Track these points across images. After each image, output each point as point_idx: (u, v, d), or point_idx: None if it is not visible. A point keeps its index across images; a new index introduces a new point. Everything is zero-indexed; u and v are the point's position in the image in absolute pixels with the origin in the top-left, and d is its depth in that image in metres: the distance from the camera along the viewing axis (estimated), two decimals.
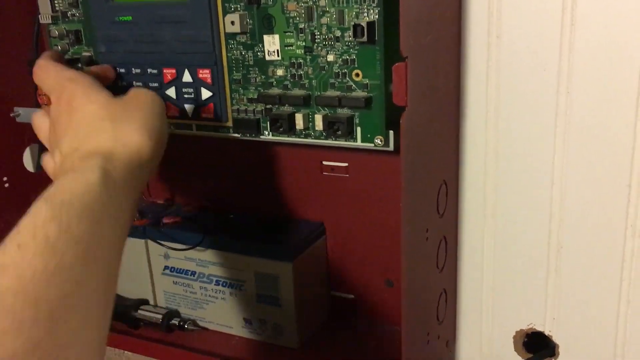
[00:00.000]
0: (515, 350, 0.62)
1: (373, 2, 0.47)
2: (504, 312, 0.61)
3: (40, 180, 0.73)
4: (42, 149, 0.73)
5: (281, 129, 0.53)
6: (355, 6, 0.48)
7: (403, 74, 0.43)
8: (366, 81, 0.50)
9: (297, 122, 0.53)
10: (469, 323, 0.63)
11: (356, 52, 0.49)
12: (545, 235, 0.57)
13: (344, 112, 0.51)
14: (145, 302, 0.69)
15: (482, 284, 0.61)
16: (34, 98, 0.66)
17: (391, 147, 0.50)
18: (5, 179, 0.72)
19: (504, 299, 0.61)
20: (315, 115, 0.52)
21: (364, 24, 0.47)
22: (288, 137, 0.54)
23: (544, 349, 0.60)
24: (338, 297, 0.68)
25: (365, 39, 0.47)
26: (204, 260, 0.65)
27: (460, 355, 0.64)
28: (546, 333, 0.60)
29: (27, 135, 0.71)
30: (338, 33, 0.49)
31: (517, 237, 0.59)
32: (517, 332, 0.61)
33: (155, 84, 0.57)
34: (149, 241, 0.67)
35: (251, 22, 0.52)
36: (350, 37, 0.49)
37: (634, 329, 0.56)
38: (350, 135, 0.51)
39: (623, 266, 0.55)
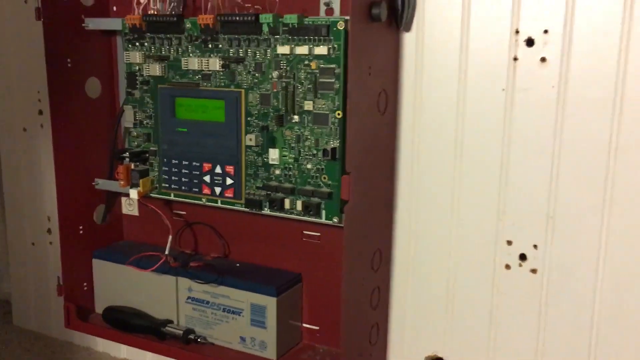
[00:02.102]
0: None
1: (336, 136, 0.79)
2: (419, 341, 0.89)
3: (104, 230, 1.07)
4: (107, 208, 1.04)
5: (275, 207, 0.83)
6: (325, 137, 0.79)
7: (347, 181, 0.73)
8: (329, 182, 0.80)
9: (285, 204, 0.83)
10: (395, 350, 0.91)
11: (324, 164, 0.80)
12: (444, 293, 0.86)
13: (315, 200, 0.81)
14: (170, 321, 0.97)
15: (404, 320, 0.90)
16: (109, 172, 0.98)
17: (343, 224, 0.80)
18: (81, 227, 1.01)
19: (418, 331, 0.89)
20: (297, 201, 0.82)
21: (329, 148, 0.79)
22: (279, 212, 0.84)
23: None
24: (307, 327, 0.95)
25: (329, 157, 0.79)
26: (216, 293, 0.94)
27: None
28: (444, 358, 0.88)
29: (99, 197, 1.02)
30: (314, 152, 0.81)
31: (426, 288, 0.87)
32: (426, 356, 0.89)
33: (196, 172, 0.88)
34: (179, 278, 0.96)
35: (262, 139, 0.84)
36: (321, 155, 0.80)
37: (502, 357, 0.84)
38: (318, 214, 0.81)
39: (492, 300, 0.83)
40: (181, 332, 0.95)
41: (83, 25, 0.95)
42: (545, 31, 0.75)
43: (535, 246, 0.80)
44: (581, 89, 0.74)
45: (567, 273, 0.79)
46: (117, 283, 1.01)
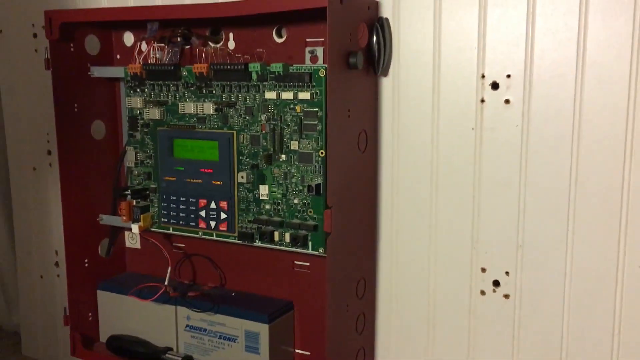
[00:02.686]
0: None
1: (320, 173, 0.86)
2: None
3: (108, 262, 1.13)
4: (111, 242, 1.10)
5: (266, 240, 0.90)
6: (310, 174, 0.86)
7: (329, 215, 0.80)
8: (315, 216, 0.87)
9: (275, 236, 0.90)
10: None
11: (310, 199, 0.87)
12: (425, 318, 0.92)
13: (302, 232, 0.88)
14: (170, 349, 1.03)
15: (389, 344, 0.95)
16: (112, 208, 1.04)
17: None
18: (86, 260, 1.08)
19: (403, 354, 0.94)
20: (285, 233, 0.89)
21: (313, 184, 0.85)
22: (270, 244, 0.90)
23: None
24: (299, 353, 1.01)
25: (314, 193, 0.85)
26: (212, 321, 0.99)
27: None
28: None
29: (103, 232, 1.09)
30: (300, 188, 0.87)
31: (409, 314, 0.93)
32: None
33: (193, 208, 0.95)
34: (178, 307, 1.02)
35: (253, 177, 0.91)
36: (306, 191, 0.87)
37: None
38: (305, 246, 0.88)
39: (469, 323, 0.89)
40: (180, 358, 1.01)
41: (89, 73, 1.03)
42: (508, 76, 0.82)
43: (507, 273, 0.86)
44: (542, 127, 0.81)
45: (537, 297, 0.84)
46: (120, 313, 1.07)
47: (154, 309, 1.03)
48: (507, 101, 0.82)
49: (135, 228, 0.99)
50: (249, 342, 0.96)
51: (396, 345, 0.95)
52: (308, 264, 0.97)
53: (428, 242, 0.90)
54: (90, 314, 1.09)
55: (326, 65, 0.83)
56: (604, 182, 0.79)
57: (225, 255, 1.04)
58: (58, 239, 1.24)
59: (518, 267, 0.85)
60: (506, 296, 0.86)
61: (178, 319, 1.03)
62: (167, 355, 1.02)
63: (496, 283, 0.87)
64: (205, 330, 1.00)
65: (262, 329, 0.95)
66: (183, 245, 1.07)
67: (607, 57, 0.76)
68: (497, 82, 0.83)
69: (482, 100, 0.84)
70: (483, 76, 0.83)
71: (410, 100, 0.88)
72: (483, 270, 0.87)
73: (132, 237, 1.14)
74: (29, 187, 1.28)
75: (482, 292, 0.88)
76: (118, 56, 1.07)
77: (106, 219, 1.06)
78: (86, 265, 1.07)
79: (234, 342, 0.98)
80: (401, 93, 0.89)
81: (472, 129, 0.85)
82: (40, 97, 1.21)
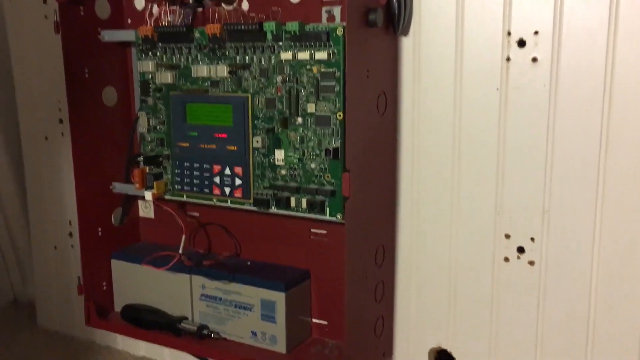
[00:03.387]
0: None
1: (337, 136, 0.83)
2: (424, 333, 0.92)
3: (122, 232, 1.12)
4: (125, 211, 1.09)
5: (282, 206, 0.87)
6: (327, 138, 0.83)
7: (347, 178, 0.77)
8: (332, 181, 0.84)
9: (291, 202, 0.87)
10: (401, 342, 0.94)
11: (327, 164, 0.84)
12: (446, 287, 0.89)
13: (319, 198, 0.85)
14: (185, 318, 1.02)
15: (409, 314, 0.93)
16: (126, 176, 1.02)
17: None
18: (99, 229, 1.06)
19: (423, 324, 0.92)
20: (302, 199, 0.86)
21: (331, 148, 0.83)
22: (286, 211, 0.88)
23: None
24: (316, 323, 0.99)
25: (332, 157, 0.83)
26: (228, 290, 0.98)
27: None
28: (448, 350, 0.91)
29: (116, 200, 1.07)
30: (317, 152, 0.85)
31: (430, 282, 0.91)
32: (431, 349, 0.92)
33: (207, 174, 0.93)
34: (193, 276, 1.00)
35: (268, 142, 0.88)
36: (324, 155, 0.84)
37: (504, 347, 0.87)
38: (323, 212, 0.85)
39: (493, 291, 0.86)
40: (195, 328, 0.99)
41: (99, 37, 1.00)
42: (536, 32, 0.78)
43: (532, 239, 0.83)
44: (571, 87, 0.77)
45: (564, 264, 0.81)
46: (134, 282, 1.06)
47: (169, 278, 1.02)
48: (534, 59, 0.79)
49: (148, 195, 0.97)
50: (265, 311, 0.95)
51: (416, 313, 0.93)
52: (325, 231, 0.95)
53: (450, 207, 0.87)
54: (104, 284, 1.08)
55: (344, 24, 0.79)
56: (636, 144, 0.75)
57: (240, 225, 1.02)
58: (71, 209, 1.23)
59: (544, 233, 0.82)
60: (531, 263, 0.83)
61: (193, 288, 1.01)
62: (182, 324, 1.00)
63: (521, 250, 0.84)
64: (220, 299, 0.99)
65: (279, 298, 0.93)
66: (197, 214, 1.05)
67: None
68: (524, 39, 0.79)
69: (508, 59, 0.80)
70: (509, 33, 0.79)
71: (432, 60, 0.85)
72: (507, 236, 0.84)
73: (146, 206, 1.12)
74: (42, 157, 1.26)
75: (506, 259, 0.85)
76: (129, 20, 1.04)
77: (119, 187, 1.04)
78: (100, 234, 1.06)
79: (250, 311, 0.96)
80: (422, 53, 0.85)
81: (497, 89, 0.81)
82: (51, 66, 1.19)
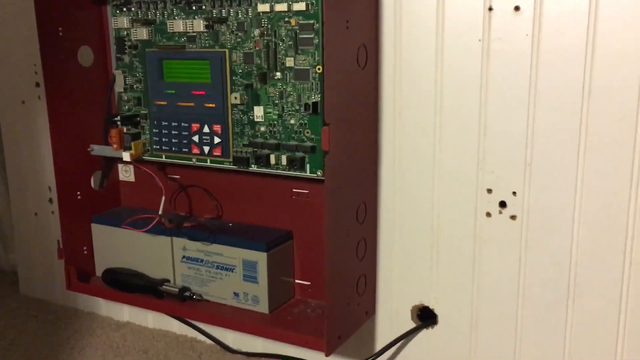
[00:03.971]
0: (412, 319, 0.92)
1: (317, 90, 0.81)
2: (407, 290, 0.92)
3: (102, 196, 1.10)
4: (104, 174, 1.07)
5: (261, 164, 0.86)
6: (307, 92, 0.82)
7: (326, 132, 0.76)
8: (312, 136, 0.83)
9: (271, 160, 0.86)
10: (383, 300, 0.94)
11: (307, 119, 0.82)
12: (428, 243, 0.89)
13: (299, 154, 0.84)
14: (167, 280, 1.01)
15: (391, 272, 0.92)
16: (104, 137, 1.00)
17: None
18: (78, 193, 1.04)
19: (406, 281, 0.92)
20: (282, 156, 0.85)
21: (310, 103, 0.81)
22: (266, 169, 0.86)
23: (429, 319, 0.91)
24: (299, 283, 0.98)
25: (311, 111, 0.81)
26: (209, 252, 0.96)
27: (377, 322, 0.94)
28: (430, 307, 0.91)
29: (95, 163, 1.05)
30: (297, 107, 0.83)
31: (412, 239, 0.90)
32: (413, 306, 0.92)
33: (186, 133, 0.91)
34: (174, 238, 0.99)
35: (247, 98, 0.86)
36: (303, 110, 0.82)
37: (486, 303, 0.86)
38: (303, 169, 0.84)
39: (475, 247, 0.86)
40: (177, 290, 0.98)
41: None
42: None
43: (514, 193, 0.82)
44: (555, 36, 0.76)
45: (546, 218, 0.81)
46: (115, 246, 1.04)
47: (150, 240, 1.00)
48: (516, 8, 0.77)
49: (126, 156, 0.95)
50: (247, 272, 0.94)
51: (398, 271, 0.92)
52: (307, 191, 0.94)
53: (432, 163, 0.86)
54: (85, 248, 1.06)
55: None
56: (619, 96, 0.74)
57: (221, 186, 1.01)
58: (50, 175, 1.20)
59: (526, 187, 0.81)
60: (513, 217, 0.83)
61: (174, 250, 1.00)
62: (163, 286, 0.99)
63: (502, 204, 0.83)
64: (202, 260, 0.97)
65: (260, 258, 0.92)
66: (178, 177, 1.03)
67: None
68: None
69: (490, 9, 0.78)
70: None
71: (413, 12, 0.83)
72: (489, 191, 0.83)
73: (126, 170, 1.10)
74: (19, 122, 1.24)
75: (488, 214, 0.84)
76: None
77: (97, 150, 1.02)
78: (79, 198, 1.04)
79: (232, 272, 0.95)
80: (403, 3, 0.83)
81: (479, 40, 0.79)
82: (26, 27, 1.15)
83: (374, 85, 0.87)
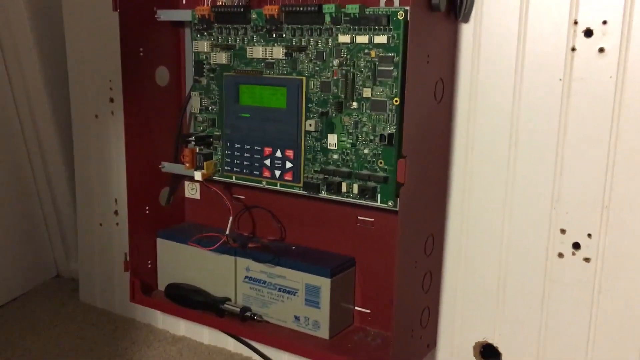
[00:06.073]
0: (474, 355, 0.91)
1: (393, 122, 0.81)
2: (470, 326, 0.91)
3: (167, 212, 1.12)
4: (172, 191, 1.09)
5: (332, 191, 0.87)
6: (382, 124, 0.82)
7: (403, 165, 0.76)
8: (385, 167, 0.83)
9: (342, 187, 0.86)
10: (446, 334, 0.93)
11: (381, 149, 0.83)
12: (495, 280, 0.88)
13: (371, 184, 0.84)
14: (228, 299, 1.02)
15: (455, 306, 0.91)
16: (174, 155, 1.03)
17: (397, 208, 0.82)
18: (147, 208, 1.07)
19: (469, 316, 0.91)
20: (354, 184, 0.86)
21: (386, 134, 0.82)
22: (336, 196, 0.87)
23: (493, 357, 0.89)
24: (359, 310, 0.98)
25: (386, 142, 0.82)
26: (272, 273, 0.98)
27: (438, 355, 0.93)
28: (494, 345, 0.89)
29: (163, 180, 1.08)
30: (371, 137, 0.84)
31: (478, 274, 0.89)
32: (476, 342, 0.91)
33: (258, 156, 0.93)
34: (237, 257, 1.01)
35: (321, 125, 0.87)
36: (378, 140, 0.83)
37: (553, 345, 0.84)
38: (374, 198, 0.84)
39: (544, 288, 0.84)
40: (238, 309, 1.00)
41: (155, 16, 1.00)
42: (604, 22, 0.75)
43: (589, 235, 0.81)
44: (639, 80, 0.74)
45: (622, 262, 0.79)
46: (179, 262, 1.07)
47: (214, 258, 1.02)
48: (601, 50, 0.76)
49: (198, 175, 0.97)
50: (309, 296, 0.94)
51: (462, 306, 0.91)
52: (372, 219, 0.94)
53: (503, 199, 0.85)
54: (149, 262, 1.09)
55: (405, 8, 0.78)
56: None
57: (287, 209, 1.02)
58: (117, 188, 1.24)
59: (602, 229, 0.79)
60: (587, 260, 0.81)
61: (237, 269, 1.01)
62: (225, 305, 1.01)
63: (576, 245, 0.82)
64: (264, 282, 0.99)
65: (324, 283, 0.93)
66: (243, 197, 1.05)
67: None
68: (591, 28, 0.76)
69: (573, 49, 0.78)
70: (575, 22, 0.77)
71: (492, 48, 0.83)
72: (562, 231, 0.82)
73: (192, 188, 1.12)
74: (91, 135, 1.28)
75: (560, 255, 0.83)
76: (184, 0, 1.04)
77: (168, 167, 1.05)
78: (147, 212, 1.07)
79: (294, 295, 0.96)
80: (482, 40, 0.83)
81: (560, 79, 0.79)
82: (104, 44, 1.20)
83: (449, 119, 0.87)
